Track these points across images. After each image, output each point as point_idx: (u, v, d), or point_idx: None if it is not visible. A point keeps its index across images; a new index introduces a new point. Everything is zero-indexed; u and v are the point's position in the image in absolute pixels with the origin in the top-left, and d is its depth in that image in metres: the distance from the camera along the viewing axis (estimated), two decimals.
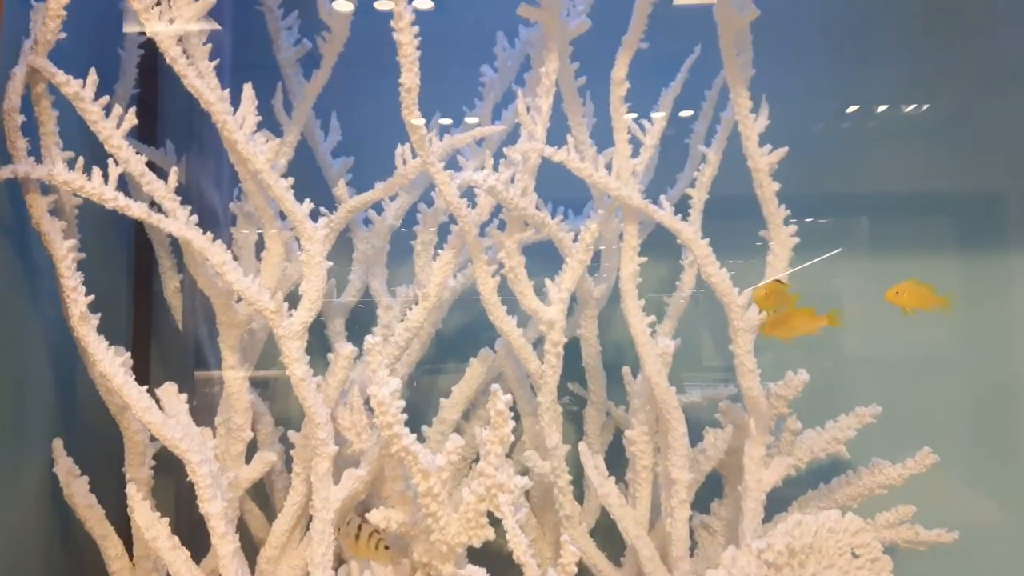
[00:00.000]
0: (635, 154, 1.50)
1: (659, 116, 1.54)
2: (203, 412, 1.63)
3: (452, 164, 1.56)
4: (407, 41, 1.29)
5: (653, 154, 1.54)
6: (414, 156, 1.51)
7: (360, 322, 1.79)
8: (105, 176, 1.31)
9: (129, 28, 1.66)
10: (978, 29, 1.89)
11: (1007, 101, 1.88)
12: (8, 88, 1.31)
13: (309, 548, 1.39)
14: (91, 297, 1.34)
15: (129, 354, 1.40)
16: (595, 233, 1.50)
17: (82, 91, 1.30)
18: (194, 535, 1.46)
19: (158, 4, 1.30)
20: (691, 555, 1.51)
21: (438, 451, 1.29)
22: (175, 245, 1.76)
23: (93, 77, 1.31)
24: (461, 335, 1.85)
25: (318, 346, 1.59)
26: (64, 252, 1.33)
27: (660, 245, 1.57)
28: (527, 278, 1.52)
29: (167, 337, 1.84)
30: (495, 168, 1.47)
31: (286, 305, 1.38)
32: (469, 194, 1.53)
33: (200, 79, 1.32)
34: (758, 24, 1.42)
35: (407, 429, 1.26)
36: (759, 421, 1.47)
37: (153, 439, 1.49)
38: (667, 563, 1.51)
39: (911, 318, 1.37)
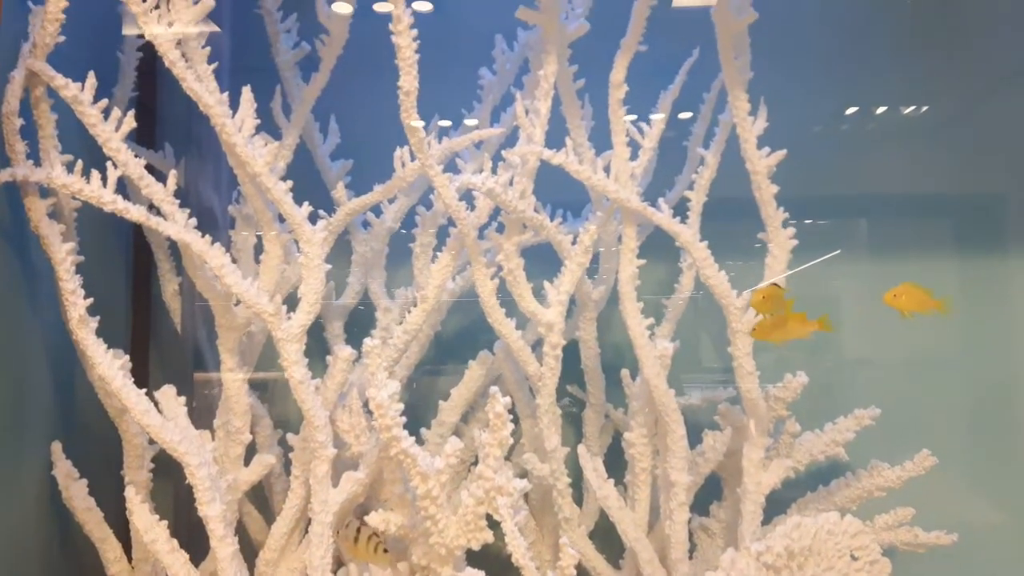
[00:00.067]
0: (634, 157, 1.50)
1: (658, 118, 1.54)
2: (202, 415, 1.63)
3: (451, 167, 1.56)
4: (406, 44, 1.29)
5: (652, 156, 1.54)
6: (413, 159, 1.51)
7: (359, 325, 1.79)
8: (104, 179, 1.31)
9: (128, 31, 1.66)
10: (977, 30, 1.89)
11: (1006, 102, 1.88)
12: (7, 91, 1.31)
13: (308, 551, 1.39)
14: (90, 300, 1.34)
15: (128, 357, 1.40)
16: (594, 235, 1.50)
17: (81, 94, 1.30)
18: (193, 538, 1.46)
19: (157, 7, 1.30)
20: (690, 557, 1.51)
21: (437, 454, 1.29)
22: (174, 248, 1.76)
23: (92, 80, 1.31)
24: (460, 337, 1.85)
25: (317, 349, 1.59)
26: (63, 255, 1.33)
27: (659, 247, 1.57)
28: (526, 280, 1.52)
29: (166, 340, 1.84)
30: (494, 171, 1.47)
31: (285, 308, 1.38)
32: (468, 197, 1.53)
33: (199, 82, 1.32)
34: (756, 26, 1.43)
35: (406, 432, 1.26)
36: (758, 423, 1.47)
37: (152, 442, 1.49)
38: (666, 565, 1.50)
39: (910, 320, 1.37)
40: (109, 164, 1.32)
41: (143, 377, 1.81)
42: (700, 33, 1.47)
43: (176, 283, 1.79)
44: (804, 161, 1.52)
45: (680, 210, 1.51)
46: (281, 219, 1.45)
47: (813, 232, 1.83)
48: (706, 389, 1.73)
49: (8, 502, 1.38)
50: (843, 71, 1.91)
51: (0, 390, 1.36)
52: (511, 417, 1.25)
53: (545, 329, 1.51)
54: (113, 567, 1.50)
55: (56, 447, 1.44)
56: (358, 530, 1.36)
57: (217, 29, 1.39)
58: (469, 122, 1.73)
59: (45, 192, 1.35)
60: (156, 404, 1.37)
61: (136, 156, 1.35)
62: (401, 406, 1.26)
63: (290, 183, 1.41)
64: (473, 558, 1.41)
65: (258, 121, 1.38)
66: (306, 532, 1.48)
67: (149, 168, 1.38)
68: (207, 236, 1.36)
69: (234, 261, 1.43)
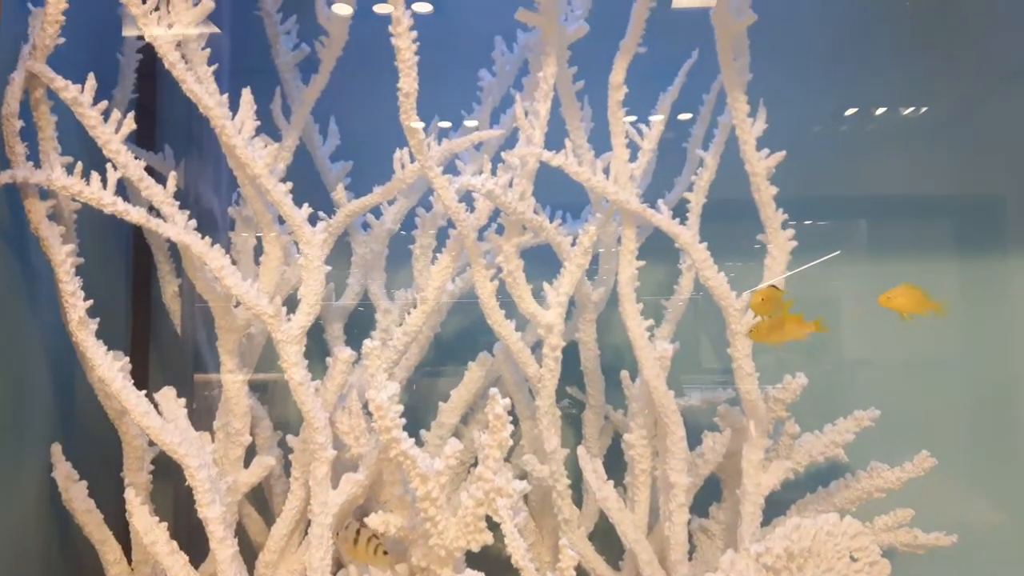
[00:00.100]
0: (633, 158, 1.50)
1: (657, 120, 1.54)
2: (202, 416, 1.63)
3: (450, 168, 1.56)
4: (405, 46, 1.29)
5: (651, 158, 1.54)
6: (412, 160, 1.51)
7: (359, 326, 1.79)
8: (104, 181, 1.31)
9: (128, 33, 1.66)
10: (976, 31, 1.89)
11: (1005, 103, 1.88)
12: (7, 93, 1.31)
13: (308, 552, 1.39)
14: (90, 302, 1.34)
15: (128, 359, 1.41)
16: (593, 237, 1.51)
17: (80, 96, 1.30)
18: (192, 539, 1.46)
19: (157, 9, 1.30)
20: (690, 559, 1.51)
21: (437, 455, 1.29)
22: (174, 249, 1.76)
23: (91, 82, 1.31)
24: (459, 339, 1.85)
25: (317, 350, 1.59)
26: (63, 257, 1.33)
27: (658, 249, 1.57)
28: (525, 282, 1.52)
29: (166, 341, 1.84)
30: (493, 172, 1.47)
31: (284, 309, 1.38)
32: (467, 198, 1.53)
33: (199, 84, 1.32)
34: (755, 27, 1.43)
35: (405, 433, 1.27)
36: (757, 425, 1.47)
37: (152, 444, 1.49)
38: (666, 567, 1.50)
39: (909, 321, 1.37)
40: (109, 166, 1.32)
41: (143, 379, 1.81)
42: (699, 35, 1.47)
43: (176, 285, 1.79)
44: (804, 162, 1.52)
45: (679, 211, 1.51)
46: (281, 221, 1.46)
47: (813, 233, 1.83)
48: (706, 390, 1.73)
49: (8, 504, 1.38)
50: (842, 72, 1.91)
51: (0, 392, 1.36)
52: (511, 419, 1.25)
53: (545, 330, 1.51)
54: (113, 569, 1.50)
55: (56, 449, 1.44)
56: (358, 532, 1.36)
57: (217, 31, 1.39)
58: (469, 123, 1.74)
59: (45, 194, 1.35)
60: (156, 406, 1.37)
61: (136, 158, 1.35)
62: (401, 408, 1.26)
63: (290, 185, 1.41)
64: (473, 560, 1.41)
65: (258, 123, 1.38)
66: (306, 534, 1.48)
67: (149, 170, 1.39)
68: (207, 238, 1.36)
69: (234, 263, 1.43)
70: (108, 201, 1.31)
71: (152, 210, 1.36)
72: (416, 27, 1.29)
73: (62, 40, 1.32)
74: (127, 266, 1.84)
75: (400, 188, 1.56)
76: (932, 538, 1.54)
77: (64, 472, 1.44)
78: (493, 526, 1.26)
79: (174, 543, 1.37)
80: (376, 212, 1.73)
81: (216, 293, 1.46)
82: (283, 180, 1.43)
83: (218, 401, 1.55)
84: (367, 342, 1.42)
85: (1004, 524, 1.81)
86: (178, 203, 1.37)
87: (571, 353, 1.65)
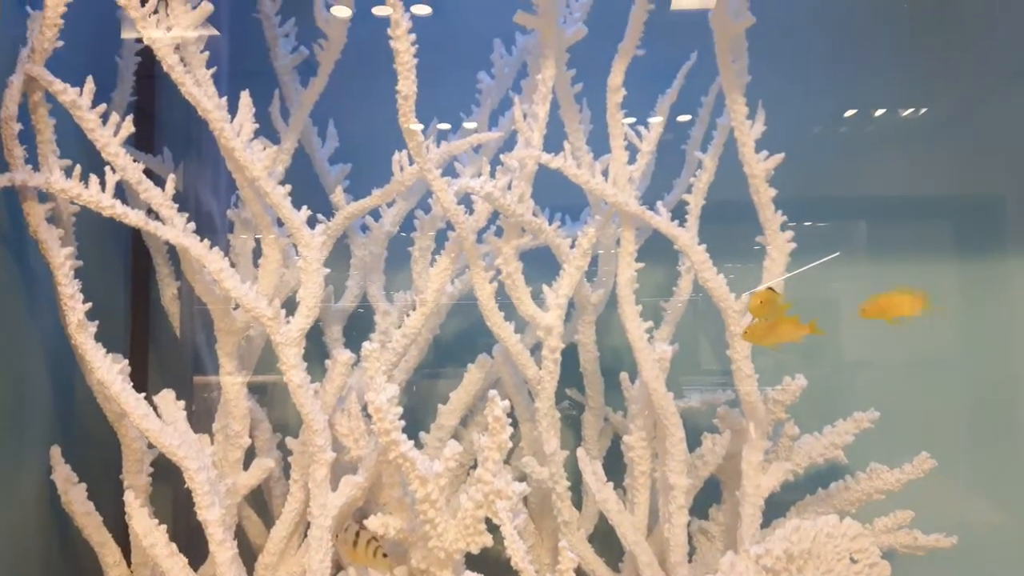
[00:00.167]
0: (632, 160, 1.50)
1: (656, 122, 1.54)
2: (201, 419, 1.63)
3: (449, 171, 1.57)
4: (404, 48, 1.29)
5: (650, 160, 1.54)
6: (411, 163, 1.51)
7: (358, 328, 1.79)
8: (102, 184, 1.31)
9: (126, 35, 1.66)
10: (976, 31, 1.89)
11: (1005, 104, 1.88)
12: (5, 96, 1.31)
13: (307, 555, 1.39)
14: (88, 304, 1.34)
15: (127, 361, 1.41)
16: (592, 239, 1.51)
17: (79, 99, 1.30)
18: (192, 542, 1.46)
19: (155, 12, 1.30)
20: (689, 561, 1.51)
21: (436, 457, 1.29)
22: (173, 252, 1.76)
23: (90, 85, 1.31)
24: (459, 341, 1.85)
25: (316, 352, 1.59)
26: (61, 260, 1.33)
27: (657, 250, 1.57)
28: (524, 284, 1.52)
29: (165, 344, 1.84)
30: (492, 175, 1.47)
31: (283, 312, 1.38)
32: (466, 200, 1.53)
33: (197, 86, 1.33)
34: (754, 29, 1.43)
35: (405, 435, 1.26)
36: (757, 426, 1.47)
37: (151, 446, 1.49)
38: (665, 569, 1.50)
39: (909, 322, 1.36)
40: (107, 168, 1.32)
41: (142, 381, 1.81)
42: (698, 37, 1.47)
43: (175, 287, 1.79)
44: (803, 163, 1.52)
45: (678, 213, 1.51)
46: (280, 223, 1.46)
47: (812, 234, 1.83)
48: (705, 392, 1.73)
49: (8, 506, 1.38)
50: (841, 73, 1.91)
51: (0, 394, 1.37)
52: (510, 421, 1.25)
53: (544, 332, 1.51)
54: (112, 571, 1.50)
55: (55, 451, 1.44)
56: (357, 534, 1.36)
57: (216, 33, 1.40)
58: (467, 126, 1.74)
59: (44, 197, 1.35)
60: (155, 408, 1.37)
61: (135, 160, 1.35)
62: (400, 410, 1.26)
63: (289, 187, 1.41)
64: (472, 562, 1.41)
65: (256, 125, 1.39)
66: (305, 536, 1.48)
67: (148, 172, 1.39)
68: (206, 240, 1.36)
69: (233, 265, 1.43)
70: (107, 204, 1.31)
71: (151, 213, 1.36)
72: (415, 29, 1.29)
73: (61, 43, 1.32)
74: (126, 269, 1.84)
75: (399, 190, 1.56)
76: (932, 540, 1.54)
77: (63, 474, 1.44)
78: (493, 528, 1.26)
79: (173, 545, 1.37)
80: (375, 214, 1.73)
81: (215, 295, 1.46)
82: (282, 183, 1.43)
83: (217, 403, 1.55)
84: (366, 344, 1.42)
85: (1004, 524, 1.81)
86: (177, 206, 1.37)
87: (570, 355, 1.65)
